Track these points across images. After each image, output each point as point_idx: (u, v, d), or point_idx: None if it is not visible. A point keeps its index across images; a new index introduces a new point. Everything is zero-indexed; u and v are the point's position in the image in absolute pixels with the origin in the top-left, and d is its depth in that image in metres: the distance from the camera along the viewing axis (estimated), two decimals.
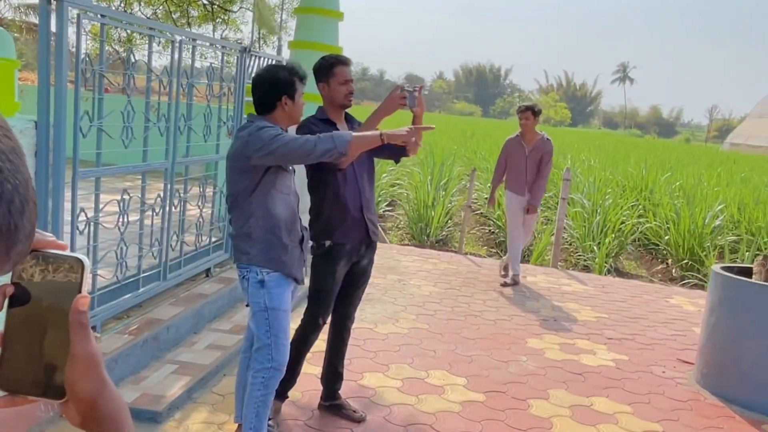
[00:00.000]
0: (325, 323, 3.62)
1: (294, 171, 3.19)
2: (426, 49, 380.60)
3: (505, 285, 7.08)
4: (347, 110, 3.60)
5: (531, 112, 7.05)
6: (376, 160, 3.93)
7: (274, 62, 6.13)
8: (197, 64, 5.19)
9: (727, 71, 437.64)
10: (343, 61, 3.51)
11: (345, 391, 3.91)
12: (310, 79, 3.37)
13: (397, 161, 3.98)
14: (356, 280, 3.69)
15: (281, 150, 2.90)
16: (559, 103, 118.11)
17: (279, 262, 3.02)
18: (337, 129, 3.41)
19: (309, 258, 3.37)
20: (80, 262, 0.70)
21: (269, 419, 3.52)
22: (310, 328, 3.56)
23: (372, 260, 3.73)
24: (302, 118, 3.26)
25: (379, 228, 3.85)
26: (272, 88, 3.05)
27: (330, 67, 3.49)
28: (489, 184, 8.18)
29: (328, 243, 3.42)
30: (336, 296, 3.71)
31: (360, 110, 3.67)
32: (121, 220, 4.08)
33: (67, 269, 0.70)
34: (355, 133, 3.02)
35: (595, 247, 9.36)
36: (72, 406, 0.70)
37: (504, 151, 7.29)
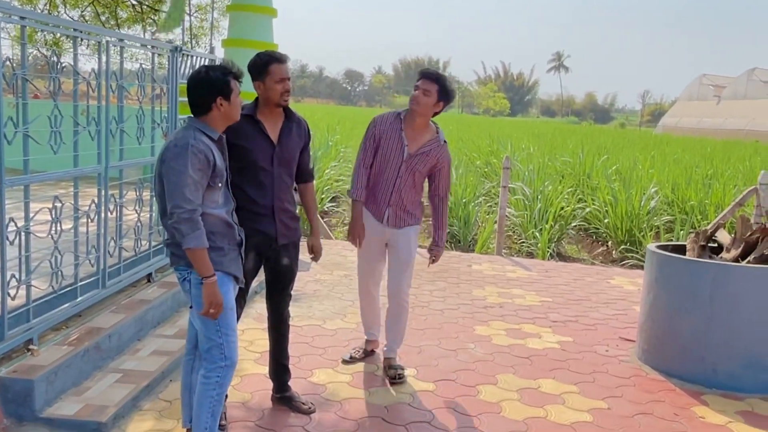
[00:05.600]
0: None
1: (223, 185, 3.05)
2: (364, 45, 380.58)
3: (393, 381, 4.21)
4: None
5: (439, 84, 4.08)
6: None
7: (207, 61, 6.02)
8: (129, 66, 5.06)
9: (657, 57, 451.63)
10: (279, 59, 3.46)
11: (296, 388, 3.91)
12: (247, 77, 3.31)
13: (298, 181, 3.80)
14: (280, 279, 3.69)
15: (170, 192, 2.82)
16: (498, 93, 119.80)
17: (217, 262, 2.96)
18: (261, 127, 3.46)
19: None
20: None
21: (221, 421, 3.47)
22: None
23: (294, 259, 3.71)
24: None
25: (300, 226, 3.77)
26: (206, 89, 2.96)
27: (265, 65, 3.44)
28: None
29: None
30: (267, 292, 3.75)
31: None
32: (54, 228, 3.95)
33: None
34: (200, 251, 2.84)
35: (537, 233, 9.53)
36: None
37: (372, 136, 4.23)
